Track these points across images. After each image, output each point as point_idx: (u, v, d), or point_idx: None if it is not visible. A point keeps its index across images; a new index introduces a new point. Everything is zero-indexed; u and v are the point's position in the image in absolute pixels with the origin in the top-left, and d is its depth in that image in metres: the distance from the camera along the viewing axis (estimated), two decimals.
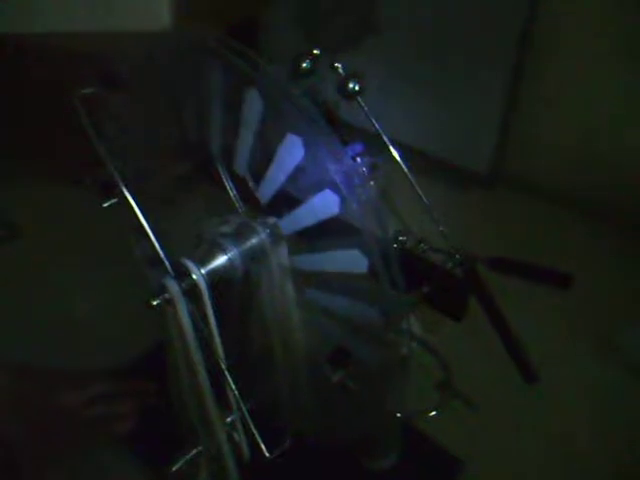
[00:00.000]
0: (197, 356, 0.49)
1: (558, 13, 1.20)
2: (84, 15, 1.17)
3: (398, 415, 0.46)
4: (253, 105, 0.42)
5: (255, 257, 0.52)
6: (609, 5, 1.14)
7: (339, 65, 0.49)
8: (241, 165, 0.50)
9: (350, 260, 0.41)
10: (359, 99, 0.48)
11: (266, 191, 0.48)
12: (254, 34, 1.38)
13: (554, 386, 0.72)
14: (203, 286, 0.47)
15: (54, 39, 1.16)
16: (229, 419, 0.56)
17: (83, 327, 0.89)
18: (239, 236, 0.51)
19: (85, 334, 0.87)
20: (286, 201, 0.49)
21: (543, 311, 0.93)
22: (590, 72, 1.21)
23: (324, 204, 0.42)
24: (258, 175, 0.47)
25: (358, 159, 0.41)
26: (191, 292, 0.47)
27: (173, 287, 0.46)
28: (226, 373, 0.47)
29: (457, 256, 0.48)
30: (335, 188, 0.41)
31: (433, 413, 0.45)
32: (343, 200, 0.42)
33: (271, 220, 0.51)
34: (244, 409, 0.50)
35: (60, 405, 0.65)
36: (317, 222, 0.44)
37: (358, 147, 0.41)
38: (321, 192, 0.41)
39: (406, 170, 0.49)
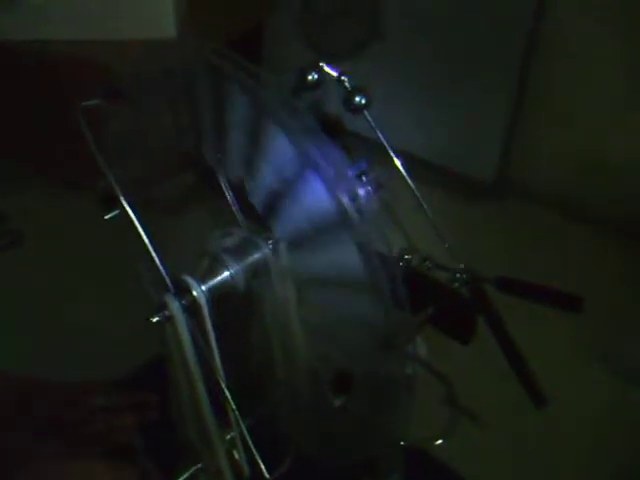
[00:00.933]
0: (196, 373, 0.48)
1: (565, 21, 1.19)
2: (91, 23, 1.17)
3: (402, 443, 0.45)
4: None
5: (258, 273, 0.51)
6: (616, 13, 1.13)
7: (345, 78, 0.48)
8: (258, 199, 0.49)
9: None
10: (366, 113, 0.47)
11: (282, 227, 0.47)
12: (258, 42, 1.38)
13: (558, 400, 0.71)
14: (204, 303, 0.46)
15: (60, 46, 1.16)
16: (229, 436, 0.55)
17: (84, 335, 0.88)
18: (241, 251, 0.50)
19: (86, 342, 0.87)
20: None
21: (546, 321, 0.91)
22: (596, 80, 1.20)
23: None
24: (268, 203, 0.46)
25: (363, 177, 0.40)
26: (191, 309, 0.46)
27: (173, 304, 0.45)
28: (225, 391, 0.46)
29: (463, 275, 0.47)
30: (341, 210, 0.41)
31: (440, 441, 0.43)
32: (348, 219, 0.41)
33: (275, 235, 0.50)
34: (243, 427, 0.49)
35: (58, 419, 0.64)
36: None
37: (363, 164, 0.40)
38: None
39: (412, 185, 0.48)
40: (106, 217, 0.52)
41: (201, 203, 0.63)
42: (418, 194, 0.49)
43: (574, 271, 1.14)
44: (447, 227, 0.54)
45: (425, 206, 0.49)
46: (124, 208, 0.47)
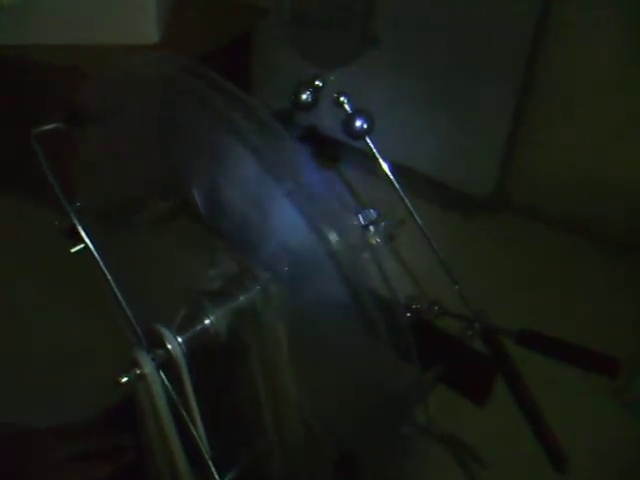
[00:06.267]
0: (174, 439, 0.42)
1: (567, 35, 1.15)
2: (71, 27, 1.10)
3: None
4: (251, 175, 0.35)
5: (244, 317, 0.45)
6: (622, 28, 1.10)
7: (345, 99, 0.42)
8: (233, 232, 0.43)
9: None
10: (368, 139, 0.42)
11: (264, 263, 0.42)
12: (248, 47, 1.31)
13: (572, 435, 0.66)
14: (181, 358, 0.40)
15: (38, 51, 1.09)
16: None
17: (56, 365, 0.81)
18: (225, 293, 0.44)
19: (59, 374, 0.80)
20: None
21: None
22: (596, 94, 1.16)
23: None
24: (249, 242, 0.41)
25: (372, 227, 0.34)
26: (167, 364, 0.40)
27: (145, 362, 0.39)
28: (208, 460, 0.40)
29: (476, 324, 0.41)
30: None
31: None
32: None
33: (264, 275, 0.44)
34: None
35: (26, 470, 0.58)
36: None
37: (373, 212, 0.34)
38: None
39: (420, 223, 0.42)
40: (72, 250, 0.46)
41: (180, 229, 0.57)
42: (425, 230, 0.43)
43: (575, 290, 1.10)
44: (443, 243, 0.50)
45: (435, 247, 0.44)
46: (87, 246, 0.41)
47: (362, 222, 0.34)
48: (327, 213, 0.36)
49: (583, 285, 1.10)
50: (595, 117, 1.18)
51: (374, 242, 0.33)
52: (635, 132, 1.16)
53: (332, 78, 0.47)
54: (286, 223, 0.39)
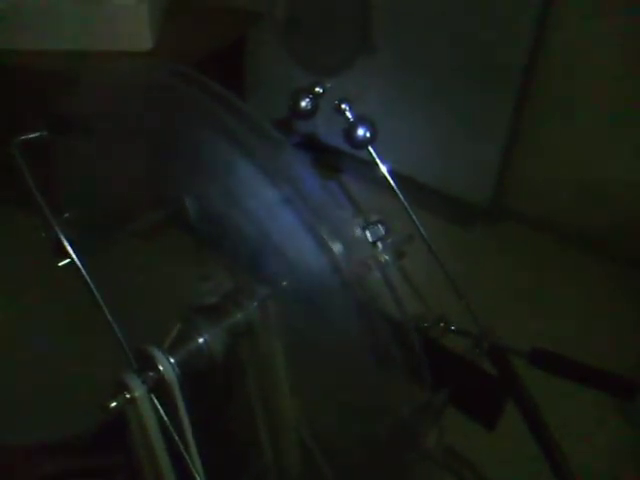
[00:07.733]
0: (166, 465, 0.39)
1: (565, 44, 1.15)
2: (64, 33, 1.08)
3: None
4: (253, 188, 0.33)
5: (240, 335, 0.42)
6: (619, 38, 1.09)
7: (346, 106, 0.40)
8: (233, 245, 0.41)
9: None
10: (371, 149, 0.40)
11: (265, 279, 0.39)
12: (241, 55, 1.29)
13: (575, 452, 0.64)
14: (173, 379, 0.38)
15: (29, 57, 1.07)
16: None
17: (41, 383, 0.78)
18: (220, 310, 0.42)
19: (43, 392, 0.77)
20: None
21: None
22: (595, 102, 1.16)
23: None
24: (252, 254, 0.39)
25: (380, 244, 0.32)
26: (158, 386, 0.38)
27: (136, 385, 0.36)
28: None
29: (484, 342, 0.40)
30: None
31: None
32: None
33: (262, 290, 0.42)
34: None
35: None
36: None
37: (381, 228, 0.32)
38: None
39: (425, 235, 0.41)
40: (60, 264, 0.44)
41: (170, 241, 0.54)
42: (431, 244, 0.41)
43: (575, 298, 1.09)
44: (445, 254, 0.48)
45: (441, 264, 0.42)
46: (74, 261, 0.39)
47: (370, 239, 0.32)
48: (329, 222, 0.34)
49: (582, 293, 1.08)
50: (595, 122, 1.17)
51: (382, 260, 0.31)
52: (636, 137, 1.15)
53: (329, 85, 0.45)
54: (284, 232, 0.36)
